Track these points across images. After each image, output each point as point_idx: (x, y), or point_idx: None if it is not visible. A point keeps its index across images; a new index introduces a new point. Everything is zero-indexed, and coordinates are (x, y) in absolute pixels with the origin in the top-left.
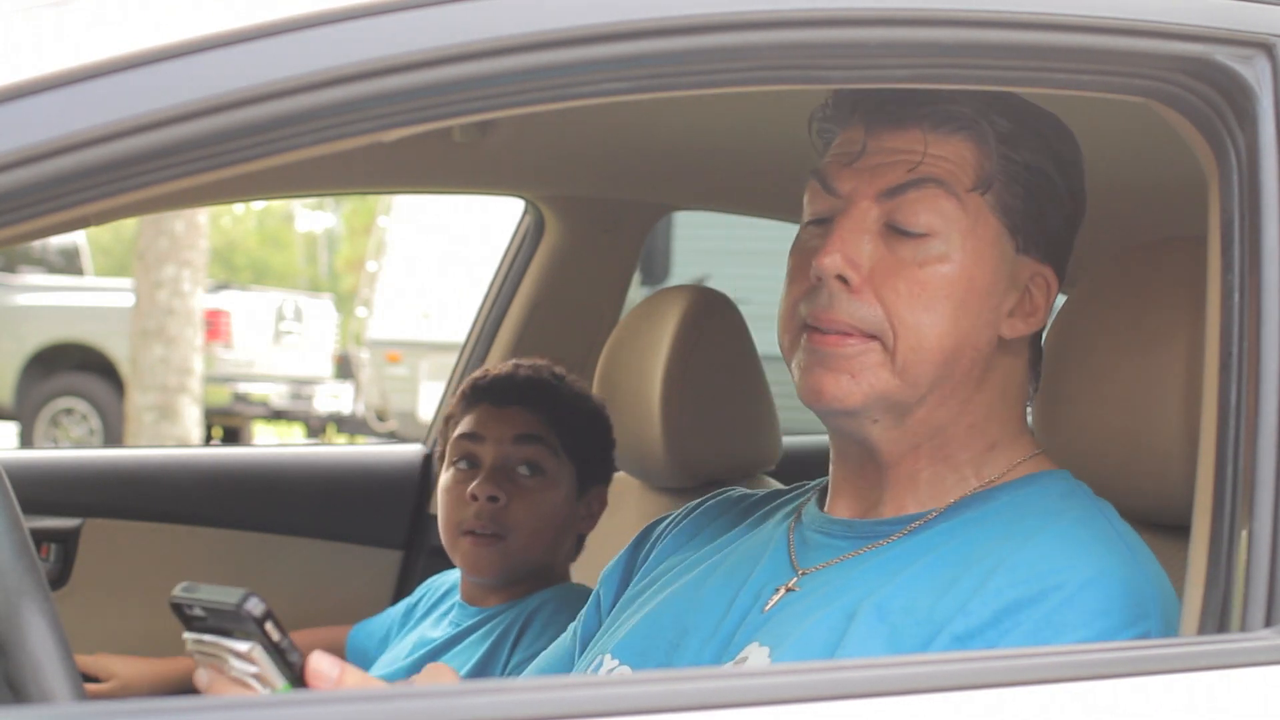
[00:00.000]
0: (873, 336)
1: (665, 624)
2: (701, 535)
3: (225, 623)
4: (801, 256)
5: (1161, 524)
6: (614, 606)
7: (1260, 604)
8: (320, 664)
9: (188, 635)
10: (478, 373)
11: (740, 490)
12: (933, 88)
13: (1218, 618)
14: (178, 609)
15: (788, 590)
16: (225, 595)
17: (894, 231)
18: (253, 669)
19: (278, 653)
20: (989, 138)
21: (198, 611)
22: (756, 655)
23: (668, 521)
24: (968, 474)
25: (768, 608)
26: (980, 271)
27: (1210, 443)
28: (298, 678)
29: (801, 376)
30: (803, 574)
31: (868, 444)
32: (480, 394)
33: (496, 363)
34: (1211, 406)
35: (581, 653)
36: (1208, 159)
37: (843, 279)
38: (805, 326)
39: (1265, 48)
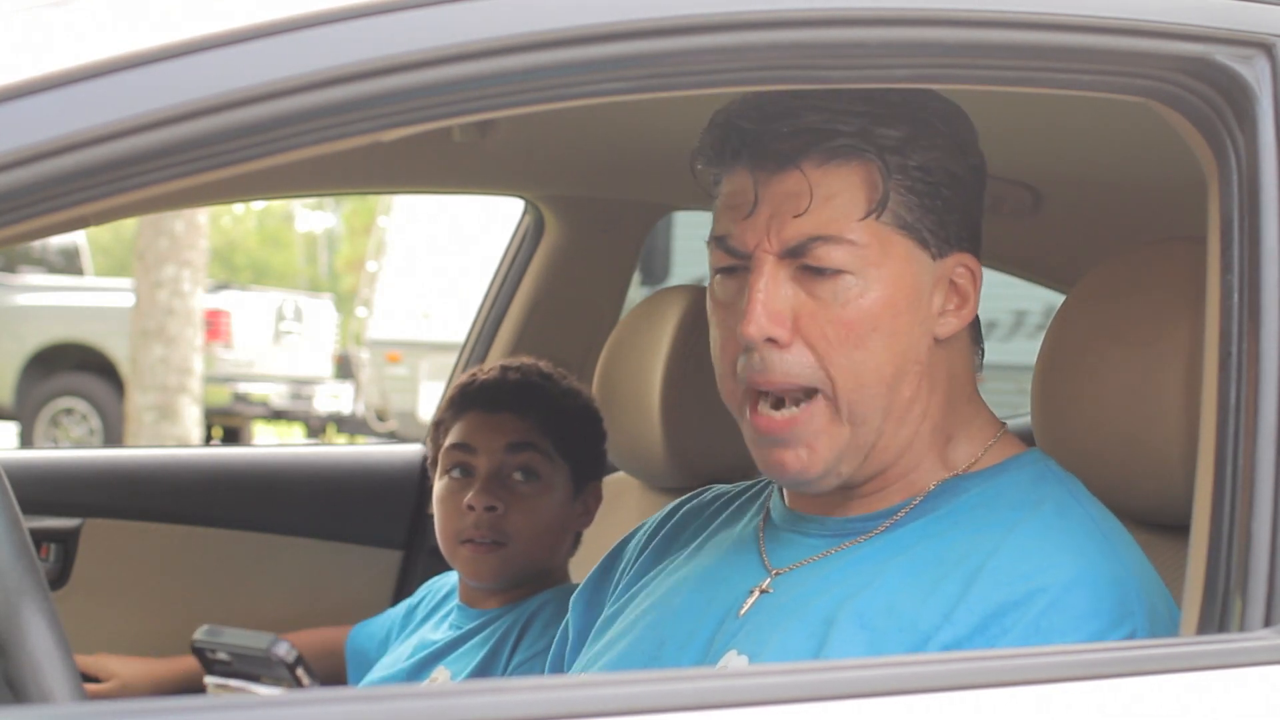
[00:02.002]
0: (813, 389)
1: (643, 636)
2: (679, 540)
3: (252, 668)
4: (722, 314)
5: (1161, 524)
6: (582, 630)
7: (1259, 604)
8: None
9: (210, 680)
10: (464, 377)
11: (714, 489)
12: (935, 87)
13: (1217, 618)
14: (200, 654)
15: (761, 592)
16: (253, 639)
17: (808, 271)
18: None
19: None
20: (878, 154)
21: (221, 655)
22: (736, 664)
23: (642, 534)
24: (936, 467)
25: (742, 612)
26: (901, 292)
27: (1210, 443)
28: None
29: (758, 454)
30: (775, 574)
31: (838, 487)
32: (469, 401)
33: (486, 365)
34: (1211, 406)
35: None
36: (1207, 159)
37: (771, 339)
38: (749, 395)
39: (1265, 48)
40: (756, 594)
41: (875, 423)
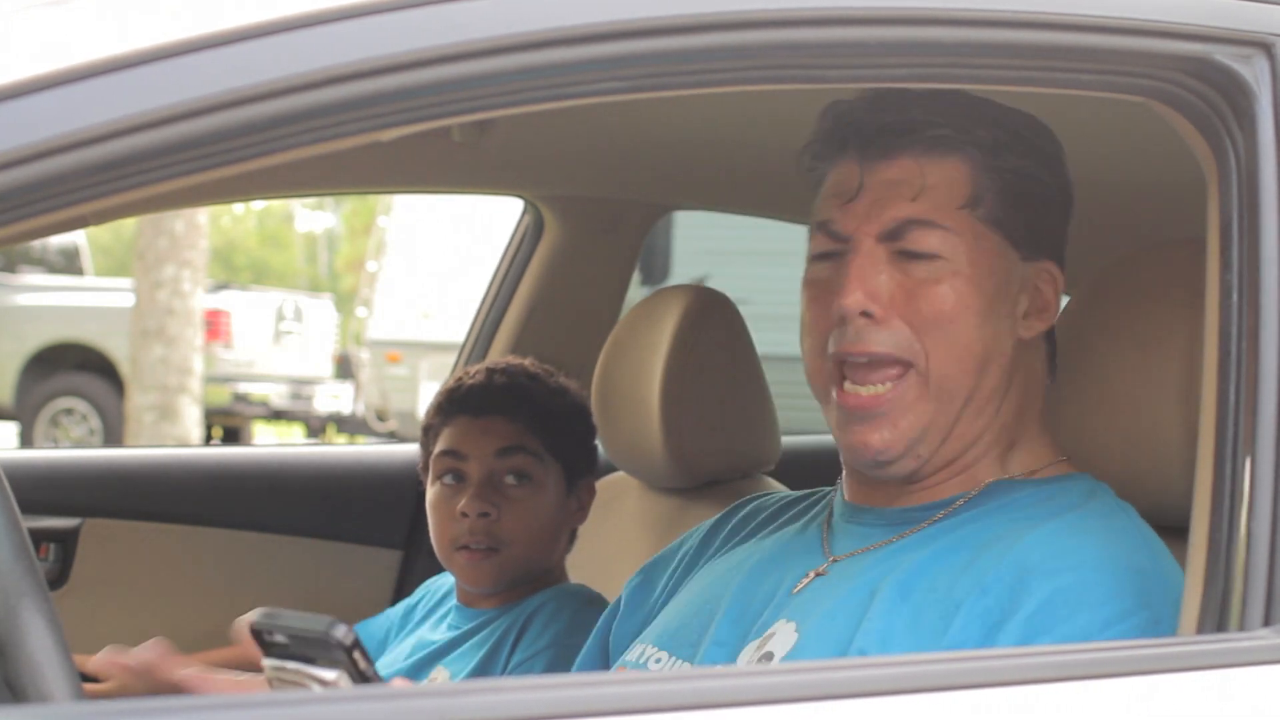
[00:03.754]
0: (906, 363)
1: (702, 611)
2: (742, 533)
3: (309, 650)
4: (817, 291)
5: (1161, 524)
6: (634, 613)
7: (1259, 603)
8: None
9: (267, 662)
10: (451, 382)
11: (778, 494)
12: (934, 87)
13: (1217, 617)
14: (258, 635)
15: (817, 575)
16: (311, 622)
17: (905, 255)
18: None
19: (364, 681)
20: (975, 152)
21: (279, 638)
22: (783, 631)
23: (705, 527)
24: (994, 468)
25: (797, 589)
26: (990, 283)
27: (1210, 443)
28: None
29: (842, 434)
30: (834, 560)
31: (910, 474)
32: (457, 406)
33: (473, 368)
34: (1211, 406)
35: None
36: (1207, 159)
37: (867, 314)
38: (838, 366)
39: (1265, 48)
40: (812, 576)
41: (958, 404)
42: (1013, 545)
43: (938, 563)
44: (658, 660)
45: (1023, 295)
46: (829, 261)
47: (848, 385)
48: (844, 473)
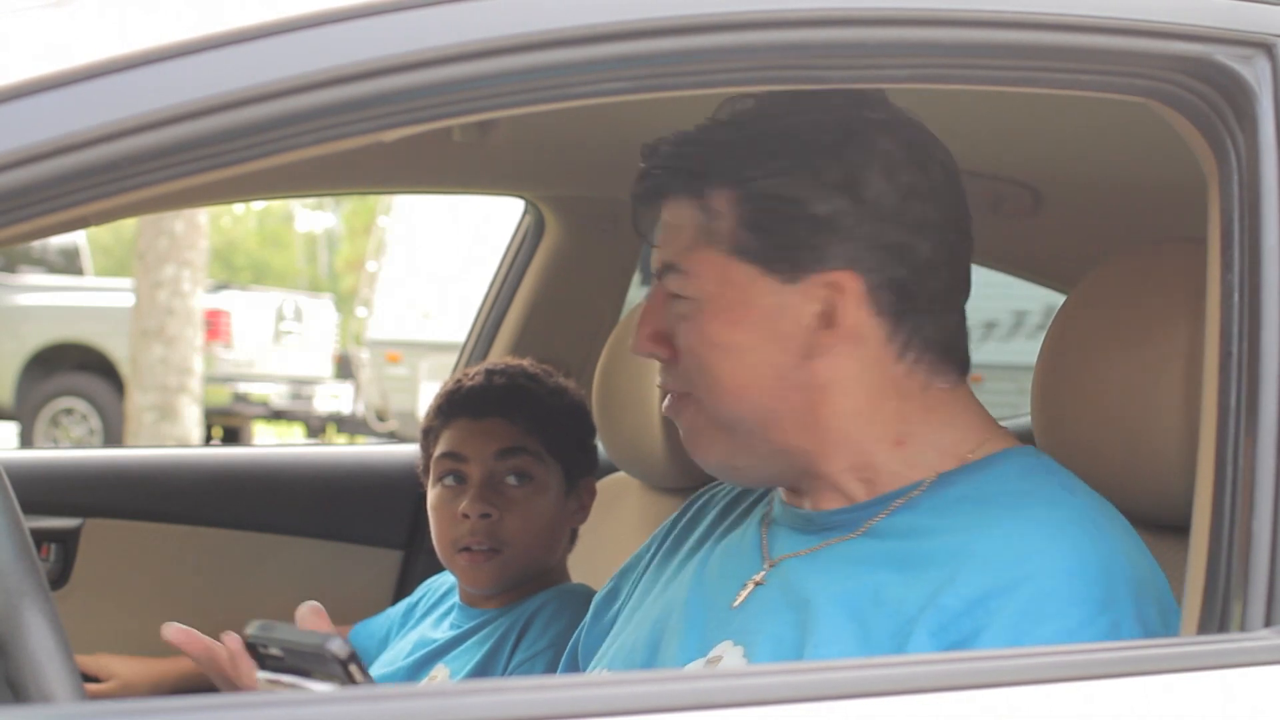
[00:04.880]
0: (690, 394)
1: (650, 629)
2: (693, 535)
3: (305, 663)
4: None
5: (1161, 524)
6: (599, 629)
7: (1260, 604)
8: None
9: (262, 675)
10: (450, 384)
11: (726, 486)
12: (935, 88)
13: (1217, 617)
14: (252, 649)
15: (755, 584)
16: (307, 636)
17: (671, 296)
18: None
19: None
20: (712, 187)
21: (274, 651)
22: (730, 655)
23: (662, 530)
24: (903, 467)
25: (737, 603)
26: (744, 315)
27: (1210, 443)
28: None
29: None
30: (770, 565)
31: (762, 483)
32: (456, 408)
33: (472, 369)
34: (1211, 406)
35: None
36: (1208, 159)
37: (654, 355)
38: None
39: (1265, 48)
40: (751, 586)
41: (746, 428)
42: (965, 556)
43: (882, 575)
44: None
45: (804, 313)
46: None
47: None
48: None
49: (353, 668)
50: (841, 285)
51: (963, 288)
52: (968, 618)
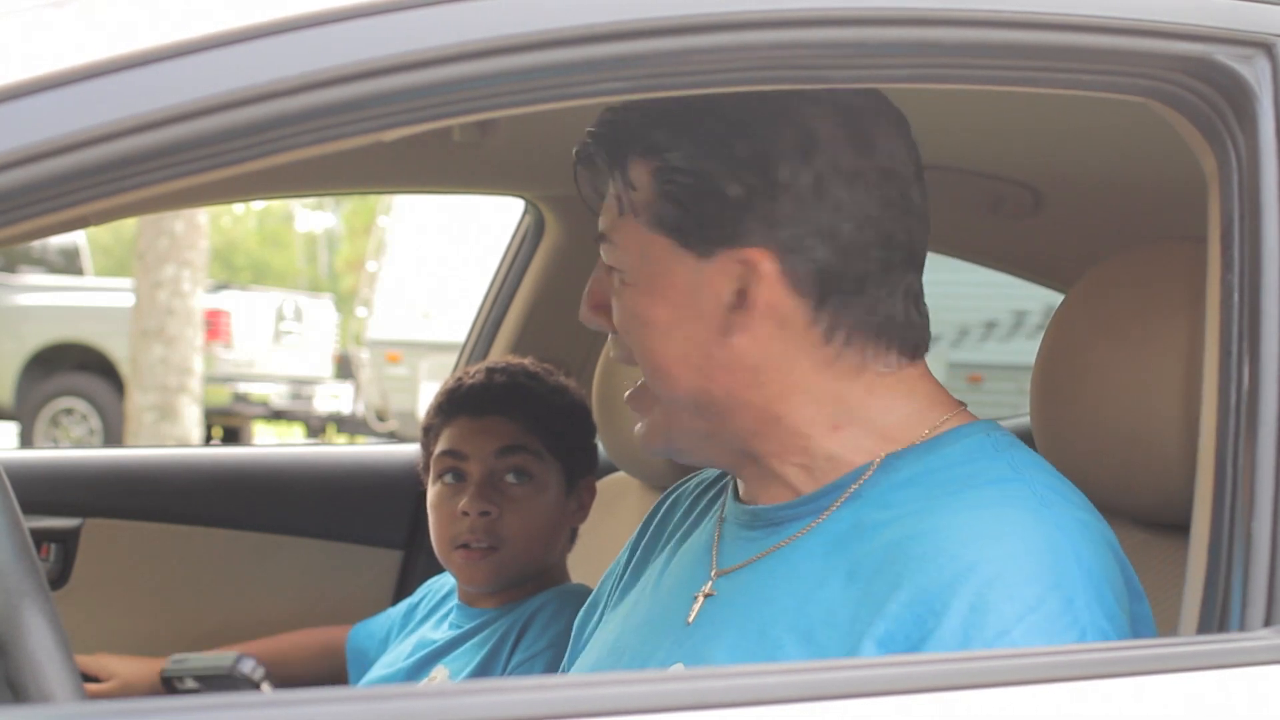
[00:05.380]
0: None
1: (614, 648)
2: (661, 537)
3: (220, 689)
4: None
5: (1161, 524)
6: (607, 606)
7: (1260, 604)
8: None
9: None
10: (451, 382)
11: (700, 475)
12: (935, 87)
13: (1217, 617)
14: (169, 685)
15: (705, 597)
16: (217, 660)
17: (608, 267)
18: None
19: None
20: (630, 160)
21: (190, 684)
22: None
23: (637, 534)
24: (844, 450)
25: (690, 619)
26: (663, 290)
27: (1210, 442)
28: None
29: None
30: (717, 575)
31: (703, 464)
32: (457, 406)
33: (472, 367)
34: (1211, 407)
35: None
36: (1208, 159)
37: (599, 327)
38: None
39: (1265, 48)
40: (701, 600)
41: (680, 405)
42: (907, 560)
43: (833, 592)
44: None
45: (722, 291)
46: None
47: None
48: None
49: (264, 687)
50: (755, 264)
51: (902, 270)
52: (915, 623)
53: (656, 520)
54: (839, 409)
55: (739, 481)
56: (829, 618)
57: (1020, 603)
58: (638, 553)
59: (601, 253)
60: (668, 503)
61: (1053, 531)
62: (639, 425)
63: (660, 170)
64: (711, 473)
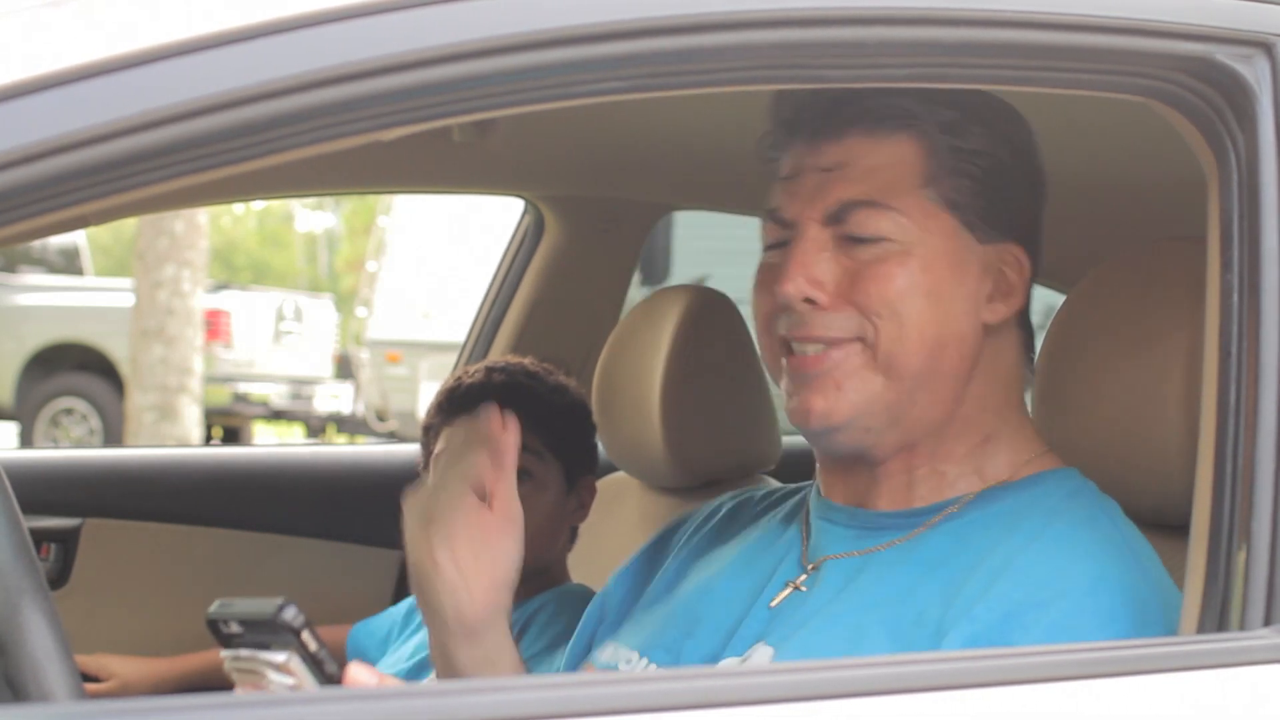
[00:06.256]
0: (855, 339)
1: (679, 614)
2: (727, 531)
3: (262, 635)
4: (765, 277)
5: (1161, 524)
6: (623, 604)
7: (1260, 603)
8: (359, 674)
9: (225, 654)
10: (451, 381)
11: (765, 486)
12: (934, 87)
13: (1217, 617)
14: (214, 627)
15: (795, 588)
16: (261, 606)
17: (850, 240)
18: (290, 680)
19: (314, 663)
20: (931, 131)
21: (234, 628)
22: (762, 656)
23: (692, 522)
24: (967, 469)
25: (775, 603)
26: (943, 265)
27: (1210, 443)
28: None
29: (789, 401)
30: (812, 569)
31: (861, 452)
32: (456, 405)
33: (472, 367)
34: (1211, 406)
35: (586, 652)
36: (1208, 159)
37: (810, 300)
38: (785, 345)
39: (1265, 48)
40: (790, 589)
41: (908, 384)
42: (1000, 570)
43: (925, 594)
44: (628, 662)
45: (985, 279)
46: (779, 249)
47: (795, 347)
48: (818, 466)
49: (305, 635)
50: (1020, 259)
51: None
52: (999, 630)
53: (719, 518)
54: (997, 422)
55: (827, 480)
56: (919, 619)
57: (1105, 637)
58: (692, 542)
59: (855, 223)
60: (732, 504)
61: (1139, 581)
62: (816, 398)
63: (956, 149)
64: (778, 489)
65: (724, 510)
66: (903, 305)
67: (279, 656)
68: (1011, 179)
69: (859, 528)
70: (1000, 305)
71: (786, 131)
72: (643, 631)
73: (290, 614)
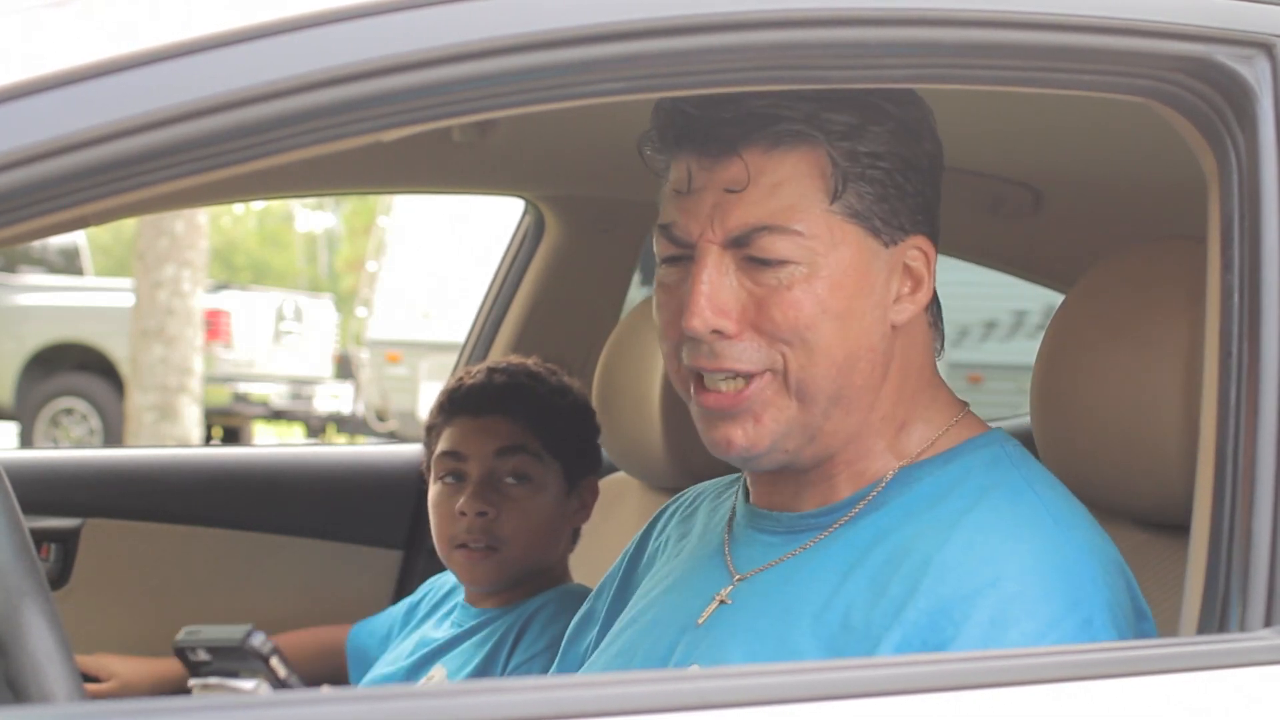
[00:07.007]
0: (765, 370)
1: (621, 649)
2: (666, 547)
3: (230, 662)
4: (665, 297)
5: (1161, 524)
6: (606, 617)
7: (1260, 604)
8: None
9: (193, 682)
10: (452, 382)
11: (695, 489)
12: (934, 87)
13: (1217, 617)
14: (182, 655)
15: (721, 601)
16: (229, 632)
17: (753, 262)
18: None
19: (284, 689)
20: (829, 140)
21: (202, 655)
22: None
23: (652, 538)
24: (887, 455)
25: (701, 620)
26: (850, 280)
27: (1210, 442)
28: None
29: (705, 431)
30: (738, 580)
31: (783, 466)
32: (457, 406)
33: (474, 367)
34: (1211, 406)
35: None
36: (1207, 159)
37: (718, 331)
38: (694, 374)
39: (1265, 48)
40: (716, 602)
41: (823, 405)
42: (924, 567)
43: (850, 596)
44: None
45: (892, 279)
46: (676, 266)
47: (709, 382)
48: (745, 476)
49: (274, 661)
50: (924, 249)
51: None
52: (932, 630)
53: (656, 530)
54: (909, 406)
55: (755, 486)
56: (846, 621)
57: (1040, 620)
58: (642, 561)
59: (758, 246)
60: (667, 514)
61: (1071, 552)
62: (736, 430)
63: (854, 155)
64: (712, 484)
65: (662, 521)
66: (810, 333)
67: (248, 683)
68: (913, 171)
69: (784, 532)
70: (908, 304)
71: (673, 140)
72: (595, 669)
73: (258, 640)
